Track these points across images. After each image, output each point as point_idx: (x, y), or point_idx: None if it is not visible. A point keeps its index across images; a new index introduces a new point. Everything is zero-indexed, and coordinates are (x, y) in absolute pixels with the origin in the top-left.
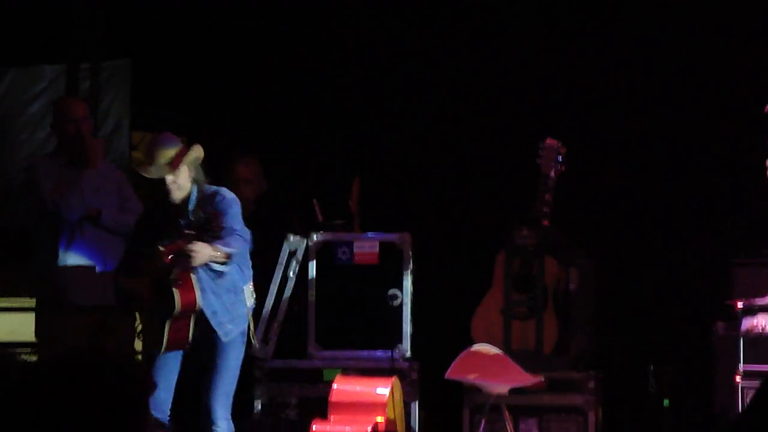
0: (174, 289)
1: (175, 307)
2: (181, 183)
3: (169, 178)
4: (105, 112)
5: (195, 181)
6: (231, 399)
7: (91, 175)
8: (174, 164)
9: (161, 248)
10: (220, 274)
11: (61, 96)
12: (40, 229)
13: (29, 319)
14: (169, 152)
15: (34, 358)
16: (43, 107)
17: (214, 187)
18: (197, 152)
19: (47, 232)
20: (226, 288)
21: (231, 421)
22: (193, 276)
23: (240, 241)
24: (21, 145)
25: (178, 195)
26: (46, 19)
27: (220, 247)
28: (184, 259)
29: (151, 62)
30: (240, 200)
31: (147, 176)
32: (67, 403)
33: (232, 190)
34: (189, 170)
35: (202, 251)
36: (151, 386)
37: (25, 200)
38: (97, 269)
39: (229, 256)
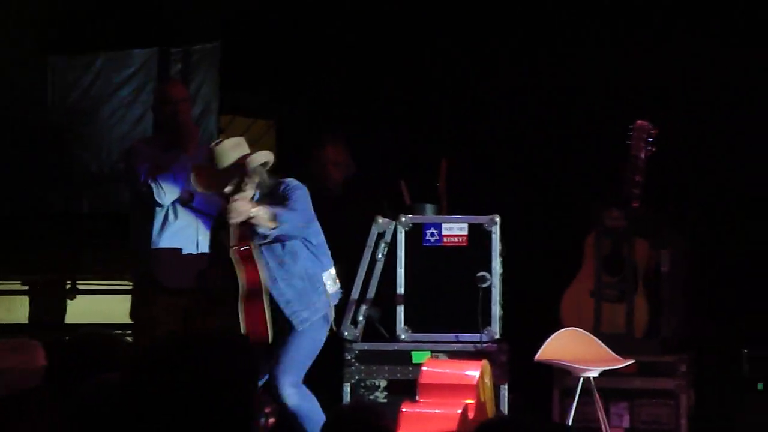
0: (237, 267)
1: (239, 286)
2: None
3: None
4: (194, 96)
5: (258, 185)
6: (301, 370)
7: (186, 159)
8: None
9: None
10: (287, 261)
11: (163, 78)
12: (136, 212)
13: (128, 301)
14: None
15: (129, 340)
16: (133, 91)
17: (279, 179)
18: (262, 158)
19: (142, 215)
20: (298, 275)
21: (301, 387)
22: (255, 252)
23: (294, 216)
24: (111, 129)
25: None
26: (135, 3)
27: (267, 208)
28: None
29: (239, 45)
30: (328, 182)
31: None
32: (180, 382)
33: (320, 173)
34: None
35: (241, 206)
36: (259, 365)
37: (123, 184)
38: (191, 252)
39: (274, 219)
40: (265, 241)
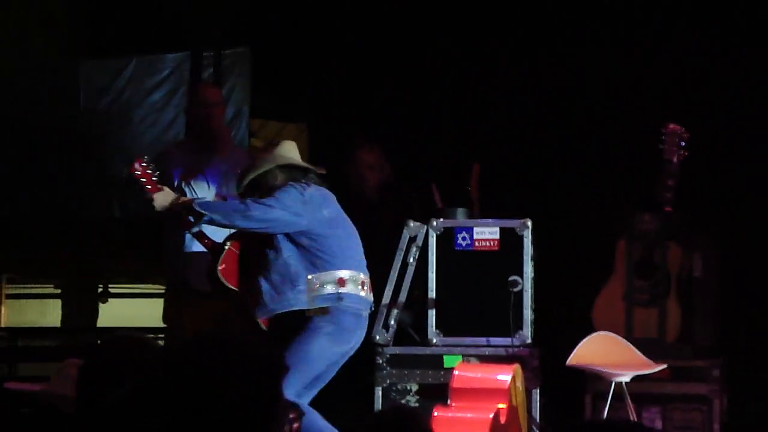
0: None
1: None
2: None
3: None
4: (226, 100)
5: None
6: (294, 381)
7: (218, 162)
8: None
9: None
10: (269, 256)
11: (199, 82)
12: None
13: (159, 305)
14: None
15: (161, 344)
16: (164, 95)
17: (291, 183)
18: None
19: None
20: (276, 270)
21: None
22: (214, 244)
23: (238, 212)
24: (143, 134)
25: None
26: (167, 8)
27: (190, 199)
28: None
29: (271, 49)
30: (364, 186)
31: None
32: (199, 383)
33: (355, 177)
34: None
35: (159, 197)
36: (284, 368)
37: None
38: None
39: (191, 209)
40: (195, 230)
